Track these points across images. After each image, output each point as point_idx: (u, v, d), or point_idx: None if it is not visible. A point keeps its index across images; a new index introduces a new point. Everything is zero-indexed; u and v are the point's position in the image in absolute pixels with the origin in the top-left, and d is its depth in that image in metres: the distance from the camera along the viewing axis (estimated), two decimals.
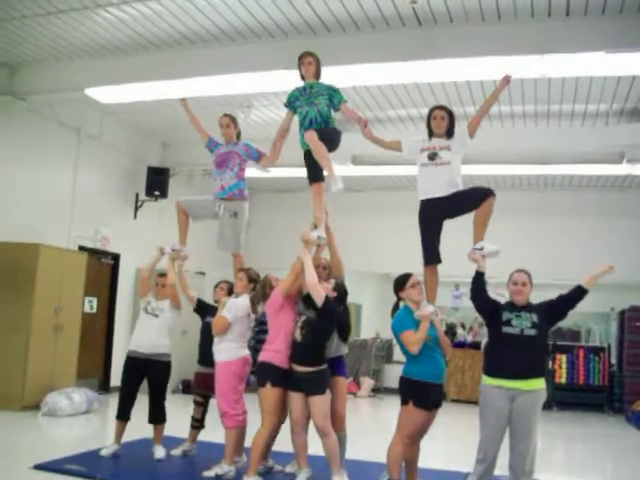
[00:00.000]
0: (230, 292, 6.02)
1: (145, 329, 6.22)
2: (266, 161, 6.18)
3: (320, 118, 5.44)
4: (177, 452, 6.31)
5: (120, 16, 7.18)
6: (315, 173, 5.48)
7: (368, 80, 7.97)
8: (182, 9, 6.98)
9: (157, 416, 6.22)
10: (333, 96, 5.57)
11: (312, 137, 5.34)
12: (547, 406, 12.36)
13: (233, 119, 6.25)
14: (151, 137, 11.66)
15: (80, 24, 7.42)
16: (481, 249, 4.96)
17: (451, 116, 5.30)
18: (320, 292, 4.97)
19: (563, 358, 12.82)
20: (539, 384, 4.57)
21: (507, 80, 5.29)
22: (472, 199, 5.07)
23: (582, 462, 8.34)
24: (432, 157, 5.15)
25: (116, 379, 10.78)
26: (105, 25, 7.43)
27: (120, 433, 6.15)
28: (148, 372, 6.21)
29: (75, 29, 7.56)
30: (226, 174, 5.99)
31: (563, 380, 12.74)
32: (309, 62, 5.66)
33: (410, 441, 4.84)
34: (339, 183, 5.23)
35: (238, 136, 6.25)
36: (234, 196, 5.98)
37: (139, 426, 6.33)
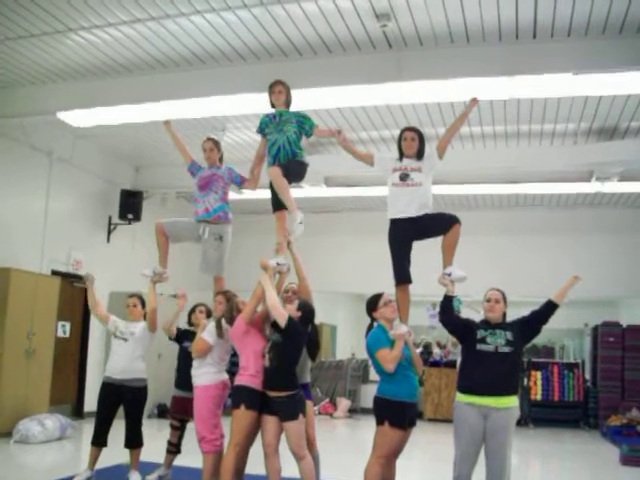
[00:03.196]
0: (209, 315, 5.99)
1: (117, 354, 6.17)
2: (247, 186, 6.21)
3: (289, 146, 5.48)
4: (152, 477, 6.21)
5: (92, 40, 7.20)
6: (279, 201, 5.53)
7: (340, 102, 8.06)
8: (154, 33, 7.01)
9: (133, 441, 6.15)
10: (303, 123, 5.61)
11: (276, 174, 5.38)
12: (523, 423, 12.47)
13: (216, 143, 6.22)
14: (124, 160, 11.62)
15: (52, 48, 7.42)
16: (450, 274, 5.02)
17: (421, 137, 5.35)
18: (281, 312, 4.94)
19: (538, 375, 12.92)
20: (512, 401, 4.61)
21: (476, 102, 5.39)
22: (440, 224, 5.13)
23: (559, 479, 8.38)
24: (403, 178, 5.20)
25: (90, 405, 10.67)
26: (77, 49, 7.45)
27: (94, 459, 6.07)
28: (123, 398, 6.14)
29: (47, 53, 7.55)
30: (210, 196, 5.95)
31: (538, 397, 12.83)
32: (279, 91, 5.68)
33: (386, 461, 4.84)
34: (299, 220, 5.30)
35: (221, 159, 6.25)
36: (219, 219, 5.95)
37: (114, 452, 6.25)
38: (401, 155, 5.34)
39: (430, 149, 5.37)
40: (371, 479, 4.76)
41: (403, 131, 5.40)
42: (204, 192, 5.99)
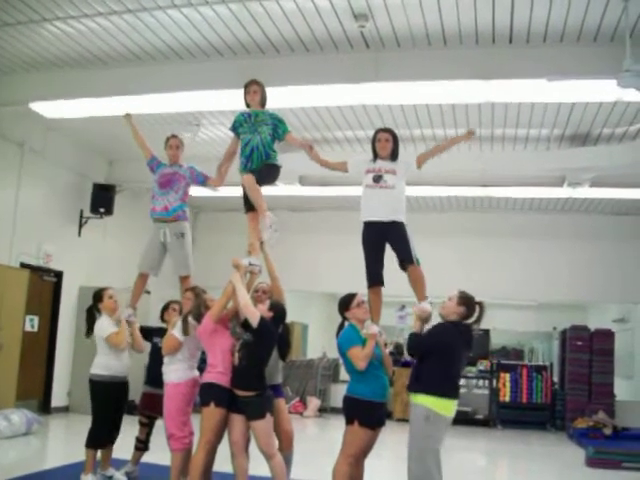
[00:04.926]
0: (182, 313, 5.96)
1: (125, 354, 6.04)
2: (212, 183, 6.23)
3: (262, 147, 5.46)
4: (120, 474, 6.15)
5: (67, 30, 7.11)
6: (251, 203, 5.52)
7: (316, 101, 8.06)
8: (130, 26, 6.95)
9: (117, 435, 6.08)
10: (278, 126, 5.57)
11: (249, 182, 5.39)
12: (491, 424, 12.58)
13: (182, 141, 6.25)
14: (97, 153, 11.48)
15: (26, 37, 7.32)
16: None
17: (395, 138, 5.36)
18: (253, 312, 4.94)
19: (507, 377, 13.02)
20: (417, 399, 4.59)
21: (471, 134, 5.42)
22: (400, 253, 5.12)
23: (525, 479, 8.46)
24: (377, 180, 5.21)
25: (57, 400, 10.57)
26: (51, 39, 7.35)
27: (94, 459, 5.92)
28: (124, 394, 6.09)
29: (21, 42, 7.44)
30: (170, 195, 5.99)
31: (507, 398, 12.93)
32: (254, 91, 5.65)
33: (355, 460, 4.84)
34: (271, 227, 5.29)
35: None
36: (178, 217, 5.99)
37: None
38: (375, 156, 5.36)
39: (409, 157, 5.35)
40: (340, 478, 4.76)
41: (377, 132, 5.42)
42: (164, 190, 6.02)
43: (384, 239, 5.16)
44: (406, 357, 14.14)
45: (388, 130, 5.44)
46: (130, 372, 6.11)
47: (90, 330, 6.06)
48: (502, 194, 11.63)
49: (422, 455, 4.49)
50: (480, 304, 4.85)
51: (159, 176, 6.09)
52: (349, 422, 4.79)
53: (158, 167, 6.16)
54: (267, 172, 5.53)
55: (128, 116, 6.44)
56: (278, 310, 5.14)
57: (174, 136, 6.26)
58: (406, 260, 5.10)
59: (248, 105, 5.72)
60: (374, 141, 5.39)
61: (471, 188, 11.18)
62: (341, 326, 5.06)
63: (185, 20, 6.78)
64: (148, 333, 6.36)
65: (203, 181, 6.17)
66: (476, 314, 4.83)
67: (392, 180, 5.19)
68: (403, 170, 5.28)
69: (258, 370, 5.00)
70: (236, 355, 5.01)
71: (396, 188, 5.19)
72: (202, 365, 5.47)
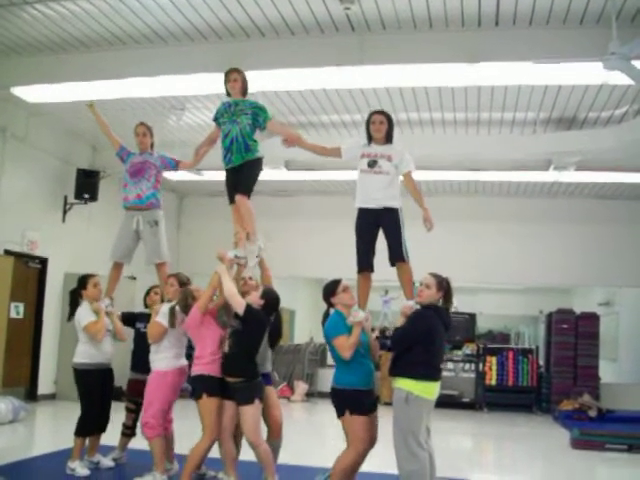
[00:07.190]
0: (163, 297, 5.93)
1: (107, 342, 5.99)
2: (184, 167, 6.28)
3: (242, 138, 5.40)
4: (107, 460, 6.14)
5: (48, 14, 7.00)
6: (234, 194, 5.49)
7: (301, 84, 8.00)
8: (113, 9, 6.85)
9: (107, 422, 6.05)
10: (258, 114, 5.48)
11: (244, 204, 5.38)
12: (478, 407, 12.66)
13: (149, 128, 6.22)
14: (81, 139, 11.35)
15: (7, 21, 7.19)
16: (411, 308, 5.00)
17: (390, 121, 5.29)
18: (239, 301, 4.94)
19: (493, 360, 13.10)
20: (399, 382, 4.62)
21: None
22: (391, 247, 5.08)
23: (512, 461, 8.54)
24: (371, 165, 5.14)
25: (44, 387, 10.52)
26: (33, 23, 7.23)
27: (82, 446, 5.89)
28: (109, 381, 6.05)
29: (1, 26, 7.32)
30: (142, 184, 5.99)
31: (493, 381, 13.01)
32: (234, 79, 5.56)
33: (363, 450, 4.80)
34: (258, 256, 5.30)
35: (152, 146, 6.20)
36: (152, 205, 6.00)
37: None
38: (369, 139, 5.30)
39: (406, 159, 5.23)
40: (342, 468, 4.73)
41: (371, 114, 5.34)
42: (136, 179, 6.03)
43: (377, 226, 5.12)
44: None
45: (382, 112, 5.35)
46: (115, 358, 6.09)
47: (73, 314, 6.01)
48: (489, 178, 11.64)
49: (404, 436, 4.50)
50: (447, 281, 4.81)
51: (129, 165, 6.09)
52: (341, 414, 4.76)
53: (128, 157, 6.16)
54: (253, 174, 5.51)
55: (92, 106, 6.36)
56: (270, 298, 5.13)
57: (141, 123, 6.25)
58: (397, 258, 5.07)
59: (229, 94, 5.65)
60: (368, 123, 5.30)
61: (458, 172, 11.18)
62: (326, 314, 5.04)
63: (169, 3, 6.69)
64: (131, 319, 6.32)
65: (175, 166, 6.21)
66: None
67: (386, 166, 5.13)
68: (398, 160, 5.19)
69: (248, 357, 5.01)
70: (226, 342, 5.01)
71: (390, 174, 5.14)
72: (190, 351, 5.45)
